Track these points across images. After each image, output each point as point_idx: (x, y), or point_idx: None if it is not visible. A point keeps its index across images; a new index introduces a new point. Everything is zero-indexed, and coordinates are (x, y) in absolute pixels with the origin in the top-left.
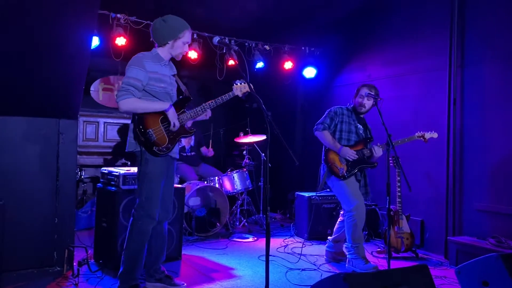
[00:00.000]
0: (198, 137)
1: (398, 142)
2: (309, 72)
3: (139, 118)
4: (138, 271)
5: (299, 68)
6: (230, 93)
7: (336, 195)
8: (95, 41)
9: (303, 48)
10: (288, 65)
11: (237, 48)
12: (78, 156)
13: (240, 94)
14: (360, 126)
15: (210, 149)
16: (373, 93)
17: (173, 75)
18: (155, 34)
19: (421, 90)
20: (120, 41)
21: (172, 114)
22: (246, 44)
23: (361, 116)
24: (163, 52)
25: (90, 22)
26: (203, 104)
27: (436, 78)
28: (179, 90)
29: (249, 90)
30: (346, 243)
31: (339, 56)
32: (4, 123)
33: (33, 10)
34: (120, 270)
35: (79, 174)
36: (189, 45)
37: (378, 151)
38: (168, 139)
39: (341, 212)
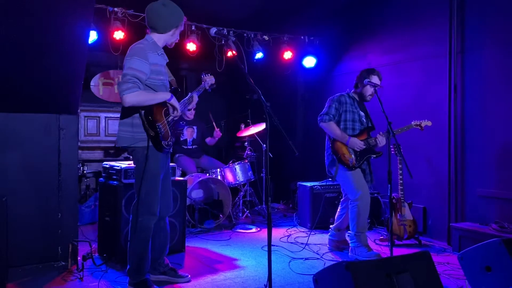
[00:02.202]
0: (202, 130)
1: (397, 131)
2: (309, 62)
3: (148, 112)
4: (145, 267)
5: (298, 57)
6: (201, 86)
7: (341, 185)
8: (93, 36)
9: (302, 37)
10: (287, 55)
11: (234, 39)
12: (80, 151)
13: (207, 87)
14: (362, 114)
15: (217, 130)
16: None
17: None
18: (156, 21)
19: (421, 77)
20: (118, 35)
21: (176, 102)
22: (245, 34)
23: (363, 104)
24: (160, 39)
25: (87, 16)
26: (189, 94)
27: (436, 64)
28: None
29: (212, 82)
30: (349, 232)
31: (339, 45)
32: (5, 119)
33: (30, 6)
34: (128, 267)
35: (81, 169)
36: (184, 38)
37: (382, 140)
38: (170, 133)
39: (341, 200)
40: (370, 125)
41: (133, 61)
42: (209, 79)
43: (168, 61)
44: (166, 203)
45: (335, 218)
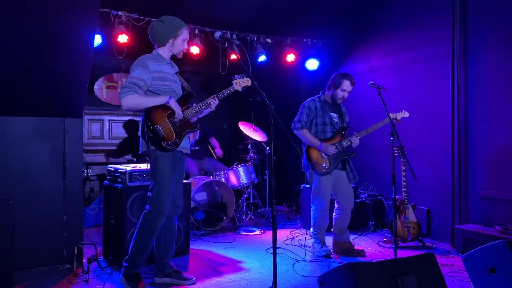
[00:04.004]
0: (204, 131)
1: (372, 127)
2: (312, 64)
3: (146, 115)
4: (141, 261)
5: (301, 60)
6: (231, 87)
7: (312, 188)
8: (98, 40)
9: (305, 40)
10: (290, 57)
11: (238, 42)
12: (84, 154)
13: (240, 89)
14: (334, 115)
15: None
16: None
17: (176, 73)
18: (154, 35)
19: (424, 79)
20: (122, 38)
21: (174, 104)
22: (248, 37)
23: (335, 105)
24: (164, 51)
25: (92, 20)
26: (206, 99)
27: (439, 66)
28: (182, 88)
29: (248, 84)
30: (311, 227)
31: (342, 47)
32: (10, 123)
33: (35, 10)
34: (127, 256)
35: (86, 172)
36: (188, 42)
37: (355, 141)
38: (175, 134)
39: (335, 208)
40: (345, 125)
41: (134, 71)
42: (241, 82)
43: (178, 70)
44: (175, 202)
45: (333, 221)
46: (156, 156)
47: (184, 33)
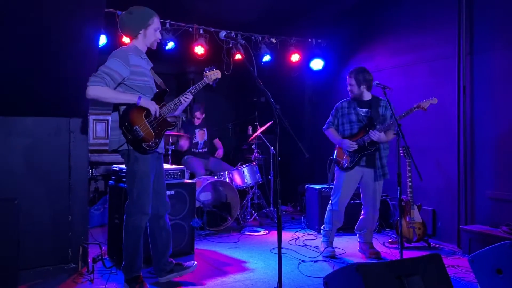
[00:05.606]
0: (210, 131)
1: (399, 118)
2: (317, 64)
3: (123, 116)
4: (138, 263)
5: (306, 60)
6: (202, 81)
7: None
8: (103, 40)
9: (309, 40)
10: (295, 57)
11: (243, 42)
12: (89, 154)
13: (211, 82)
14: (364, 111)
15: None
16: (353, 78)
17: (150, 69)
18: (125, 28)
19: (430, 79)
20: (127, 38)
21: (146, 103)
22: (253, 37)
23: (366, 100)
24: (139, 44)
25: (97, 20)
26: (179, 96)
27: (445, 66)
28: (155, 85)
29: (218, 76)
30: (323, 225)
31: (347, 47)
32: (16, 123)
33: (40, 11)
34: (123, 264)
35: (90, 172)
36: (195, 40)
37: (374, 135)
38: (154, 134)
39: (362, 207)
40: (380, 119)
41: (111, 61)
42: (212, 74)
43: (152, 65)
44: (162, 201)
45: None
46: (135, 157)
47: (155, 22)
